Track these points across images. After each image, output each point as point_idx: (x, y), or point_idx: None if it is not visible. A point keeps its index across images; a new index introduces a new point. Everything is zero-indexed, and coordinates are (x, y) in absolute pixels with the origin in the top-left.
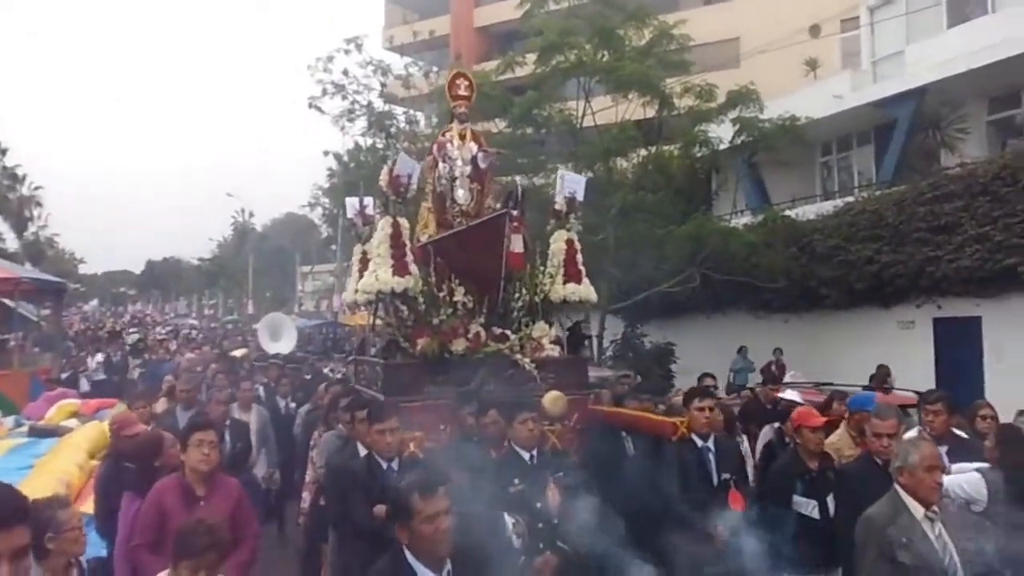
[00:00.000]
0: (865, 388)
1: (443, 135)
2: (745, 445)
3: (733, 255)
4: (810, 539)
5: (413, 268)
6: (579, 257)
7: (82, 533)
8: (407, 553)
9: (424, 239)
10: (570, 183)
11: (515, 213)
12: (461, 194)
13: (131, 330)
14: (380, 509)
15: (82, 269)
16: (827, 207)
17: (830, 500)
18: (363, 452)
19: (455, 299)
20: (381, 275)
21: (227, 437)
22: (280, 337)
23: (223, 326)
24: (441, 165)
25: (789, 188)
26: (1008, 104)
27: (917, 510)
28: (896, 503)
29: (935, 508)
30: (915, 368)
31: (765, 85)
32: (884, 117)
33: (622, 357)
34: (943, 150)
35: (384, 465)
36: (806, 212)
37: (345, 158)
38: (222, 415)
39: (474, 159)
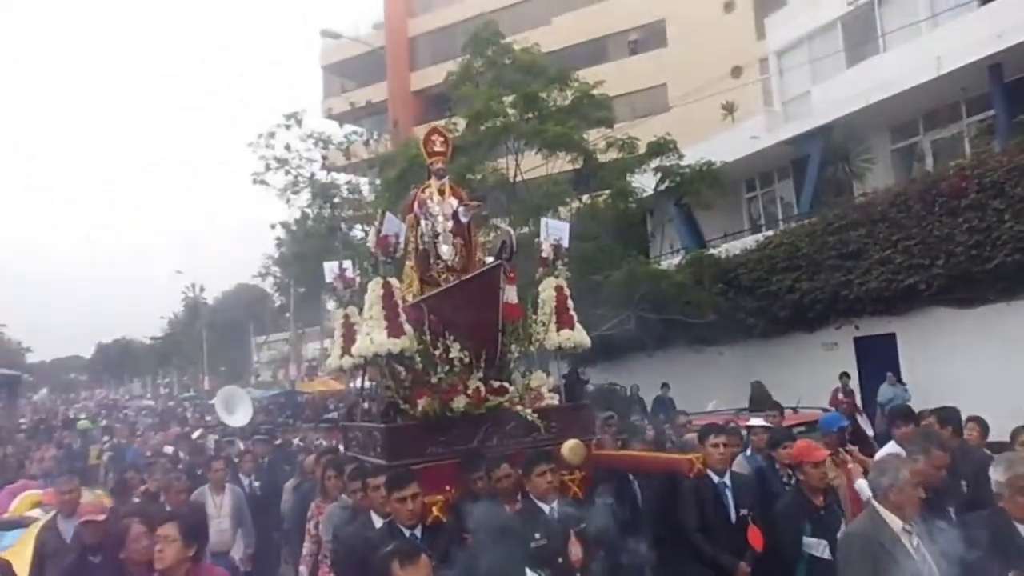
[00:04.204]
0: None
1: (423, 191)
2: None
3: (665, 295)
4: None
5: (407, 328)
6: (570, 303)
7: None
8: None
9: (410, 299)
10: (554, 230)
11: (508, 264)
12: (445, 250)
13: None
14: None
15: (29, 358)
16: (750, 242)
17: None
18: (378, 521)
19: (451, 355)
20: (376, 337)
21: None
22: (236, 410)
23: (180, 404)
24: (423, 222)
25: (721, 224)
26: (909, 133)
27: (895, 524)
28: (875, 519)
29: (912, 521)
30: None
31: (693, 128)
32: (798, 153)
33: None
34: (855, 181)
35: (407, 533)
36: (735, 247)
37: (294, 227)
38: (177, 501)
39: (455, 213)
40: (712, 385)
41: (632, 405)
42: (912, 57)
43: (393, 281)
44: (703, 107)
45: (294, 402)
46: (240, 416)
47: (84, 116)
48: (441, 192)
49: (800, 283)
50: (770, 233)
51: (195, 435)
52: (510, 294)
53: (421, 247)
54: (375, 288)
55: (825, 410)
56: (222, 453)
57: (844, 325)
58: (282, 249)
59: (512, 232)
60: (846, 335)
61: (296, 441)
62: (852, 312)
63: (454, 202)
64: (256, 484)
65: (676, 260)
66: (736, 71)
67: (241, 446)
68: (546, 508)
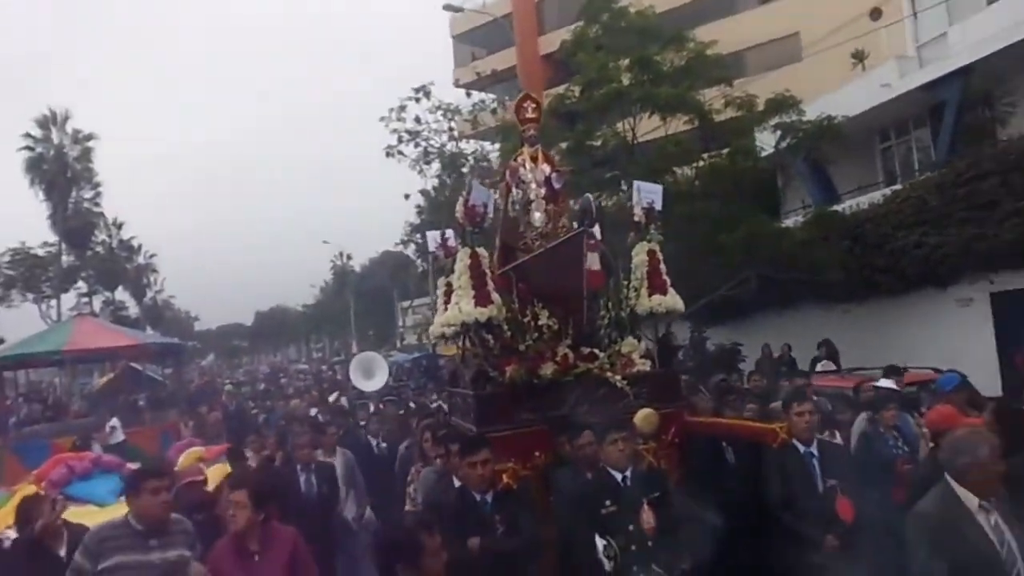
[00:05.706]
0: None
1: (515, 160)
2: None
3: (787, 254)
4: None
5: (495, 296)
6: (662, 267)
7: None
8: None
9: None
10: (647, 193)
11: (591, 230)
12: (538, 217)
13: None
14: (474, 542)
15: (197, 326)
16: (876, 196)
17: None
18: (458, 485)
19: (540, 323)
20: (464, 306)
21: (313, 479)
22: (373, 375)
23: (331, 368)
24: (514, 190)
25: (855, 177)
26: None
27: (971, 501)
28: (948, 497)
29: (990, 498)
30: (976, 345)
31: (825, 78)
32: (936, 99)
33: (690, 362)
34: (998, 125)
35: (477, 498)
36: (866, 201)
37: (432, 194)
38: (306, 457)
39: (548, 180)
40: (840, 344)
41: (779, 366)
42: None
43: (481, 251)
44: (837, 55)
45: (435, 365)
46: (376, 380)
47: (237, 108)
48: (534, 159)
49: (928, 237)
50: (898, 187)
51: (331, 398)
52: (592, 261)
53: (511, 214)
54: (463, 258)
55: (937, 370)
56: (356, 414)
57: (979, 280)
58: (422, 216)
59: (592, 199)
60: (981, 290)
61: (435, 403)
62: (987, 266)
63: (547, 168)
64: (383, 445)
65: (803, 217)
66: (875, 13)
67: (372, 408)
68: (618, 476)
